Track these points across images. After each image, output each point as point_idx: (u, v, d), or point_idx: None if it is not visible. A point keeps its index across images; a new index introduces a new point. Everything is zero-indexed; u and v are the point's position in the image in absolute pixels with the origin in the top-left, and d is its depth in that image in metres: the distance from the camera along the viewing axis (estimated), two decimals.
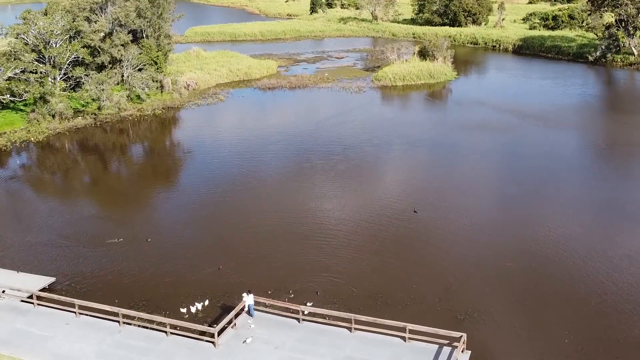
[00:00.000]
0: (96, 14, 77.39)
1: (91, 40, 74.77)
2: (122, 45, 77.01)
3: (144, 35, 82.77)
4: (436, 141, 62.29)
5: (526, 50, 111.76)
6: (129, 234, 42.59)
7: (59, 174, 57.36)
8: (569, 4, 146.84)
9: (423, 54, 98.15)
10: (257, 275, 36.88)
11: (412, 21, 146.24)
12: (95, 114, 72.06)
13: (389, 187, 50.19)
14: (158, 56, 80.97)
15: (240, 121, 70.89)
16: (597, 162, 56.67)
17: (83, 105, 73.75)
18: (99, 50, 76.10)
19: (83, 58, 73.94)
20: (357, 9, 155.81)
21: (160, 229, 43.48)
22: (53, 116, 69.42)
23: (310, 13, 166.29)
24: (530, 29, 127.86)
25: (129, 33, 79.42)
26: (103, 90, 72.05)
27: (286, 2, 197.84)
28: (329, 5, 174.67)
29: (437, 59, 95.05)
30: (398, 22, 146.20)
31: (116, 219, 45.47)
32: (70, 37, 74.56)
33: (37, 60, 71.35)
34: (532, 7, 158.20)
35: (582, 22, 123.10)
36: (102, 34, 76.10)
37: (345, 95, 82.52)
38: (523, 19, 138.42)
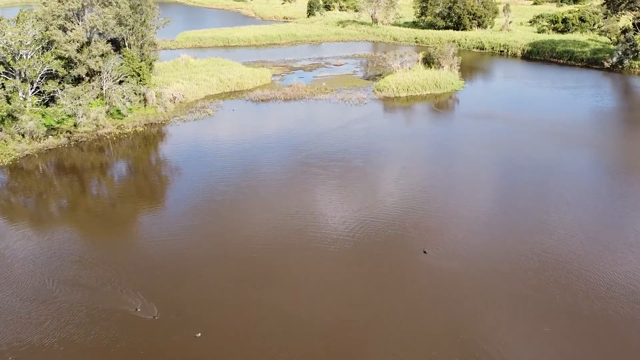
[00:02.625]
0: (72, 22, 70.60)
1: (66, 50, 68.05)
2: (100, 55, 70.38)
3: (126, 44, 76.05)
4: (446, 162, 55.83)
5: (536, 55, 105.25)
6: (101, 283, 36.08)
7: (24, 205, 50.62)
8: (577, 5, 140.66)
9: (427, 61, 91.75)
10: (240, 348, 30.42)
11: (414, 24, 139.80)
12: (70, 132, 65.49)
13: (394, 220, 43.55)
14: (141, 67, 74.29)
15: (229, 139, 64.22)
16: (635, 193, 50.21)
17: (58, 122, 67.12)
18: (75, 61, 69.41)
19: (57, 71, 67.22)
20: (356, 11, 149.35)
21: (136, 282, 36.91)
22: (23, 135, 62.88)
23: (308, 16, 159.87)
24: (538, 32, 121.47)
25: (108, 42, 72.80)
26: (80, 105, 65.51)
27: (282, 4, 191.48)
28: (327, 8, 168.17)
29: (443, 67, 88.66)
30: (399, 26, 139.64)
31: (85, 263, 38.89)
32: (42, 47, 67.78)
33: (4, 74, 64.68)
34: (538, 9, 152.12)
35: (594, 25, 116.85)
36: (79, 44, 69.33)
37: (344, 107, 76.03)
38: (530, 22, 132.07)
